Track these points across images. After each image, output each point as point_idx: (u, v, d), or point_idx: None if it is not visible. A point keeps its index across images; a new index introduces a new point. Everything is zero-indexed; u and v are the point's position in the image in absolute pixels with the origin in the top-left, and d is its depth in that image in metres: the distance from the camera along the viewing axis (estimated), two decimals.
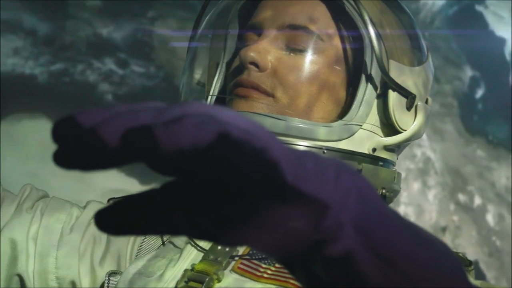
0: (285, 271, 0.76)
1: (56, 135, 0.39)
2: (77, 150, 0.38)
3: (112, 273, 0.86)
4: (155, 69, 3.14)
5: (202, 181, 0.38)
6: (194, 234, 0.39)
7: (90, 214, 0.92)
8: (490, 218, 3.60)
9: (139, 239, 0.92)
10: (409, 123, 0.97)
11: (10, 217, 0.88)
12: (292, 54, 0.92)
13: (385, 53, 0.93)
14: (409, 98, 0.95)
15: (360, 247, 0.41)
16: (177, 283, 0.77)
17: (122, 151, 0.37)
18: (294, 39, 0.94)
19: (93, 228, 0.90)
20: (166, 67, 3.16)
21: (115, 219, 0.39)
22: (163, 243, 0.90)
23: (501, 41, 3.87)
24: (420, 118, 0.97)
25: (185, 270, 0.78)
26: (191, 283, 0.77)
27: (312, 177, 0.40)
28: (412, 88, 0.95)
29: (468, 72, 3.77)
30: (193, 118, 0.37)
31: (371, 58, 0.92)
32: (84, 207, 0.95)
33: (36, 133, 2.69)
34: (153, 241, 0.92)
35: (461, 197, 3.62)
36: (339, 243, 0.41)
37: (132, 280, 0.82)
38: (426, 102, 1.02)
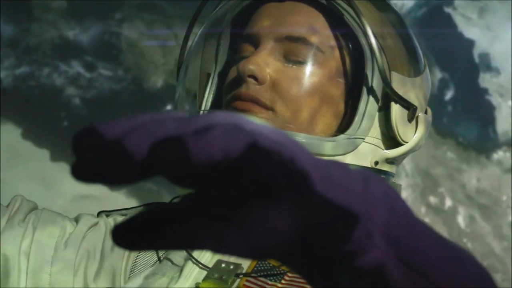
0: (293, 287, 0.73)
1: (77, 146, 0.37)
2: (101, 162, 0.36)
3: None
4: (123, 72, 3.09)
5: (227, 193, 0.36)
6: (219, 249, 0.37)
7: (84, 228, 0.89)
8: (461, 220, 3.62)
9: (134, 254, 0.89)
10: (410, 135, 0.96)
11: (1, 231, 0.84)
12: (291, 66, 0.90)
13: (387, 65, 0.93)
14: (411, 109, 0.94)
15: (390, 258, 0.40)
16: None
17: (151, 163, 0.35)
18: (293, 51, 0.91)
19: (86, 243, 0.87)
20: (135, 70, 3.12)
21: (134, 234, 0.37)
22: (159, 259, 0.86)
23: (470, 43, 3.90)
24: (421, 129, 0.96)
25: None
26: None
27: (340, 186, 0.38)
28: (413, 100, 0.94)
29: (437, 74, 3.79)
30: (221, 128, 0.35)
31: (372, 70, 0.90)
32: (76, 220, 0.91)
33: (1, 138, 2.62)
34: (148, 257, 0.89)
35: (432, 199, 3.63)
36: (370, 254, 0.39)
37: None
38: (425, 112, 1.01)
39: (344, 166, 0.40)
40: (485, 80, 4.12)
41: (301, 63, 0.88)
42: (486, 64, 4.12)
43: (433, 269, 0.41)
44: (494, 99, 4.03)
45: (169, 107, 4.10)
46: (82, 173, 0.36)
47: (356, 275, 0.40)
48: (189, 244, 0.37)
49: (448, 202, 3.68)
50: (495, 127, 3.90)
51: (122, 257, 0.86)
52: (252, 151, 0.35)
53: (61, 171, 3.10)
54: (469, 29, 3.91)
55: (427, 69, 1.01)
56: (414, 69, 0.96)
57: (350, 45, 0.92)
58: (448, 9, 3.91)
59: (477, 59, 3.87)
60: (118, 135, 0.36)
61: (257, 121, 0.37)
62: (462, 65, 3.86)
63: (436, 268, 0.42)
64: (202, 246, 0.37)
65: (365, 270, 0.39)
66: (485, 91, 3.98)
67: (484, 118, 3.91)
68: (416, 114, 0.95)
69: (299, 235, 0.37)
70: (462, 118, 3.81)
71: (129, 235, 0.37)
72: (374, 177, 0.41)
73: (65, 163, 3.50)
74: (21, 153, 2.74)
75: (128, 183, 0.36)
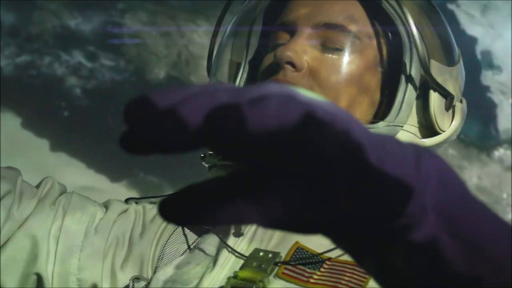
0: (332, 275, 0.73)
1: (129, 116, 0.36)
2: (153, 132, 0.35)
3: (135, 278, 0.82)
4: (125, 63, 3.08)
5: (277, 167, 0.36)
6: (267, 224, 0.37)
7: (114, 215, 0.88)
8: None
9: (162, 242, 0.88)
10: (447, 124, 0.95)
11: (32, 212, 0.83)
12: (329, 53, 0.89)
13: (426, 53, 0.94)
14: (448, 98, 0.93)
15: (443, 233, 0.39)
16: None
17: (205, 131, 0.35)
18: (331, 38, 0.90)
19: (116, 230, 0.86)
20: (136, 61, 3.10)
21: (181, 209, 0.37)
22: (190, 248, 0.86)
23: (472, 40, 3.89)
24: (457, 118, 0.95)
25: (228, 278, 0.75)
26: None
27: (394, 159, 0.38)
28: (450, 89, 0.93)
29: None
30: (276, 98, 0.35)
31: (410, 59, 0.89)
32: (105, 206, 0.90)
33: (1, 127, 2.61)
34: (177, 245, 0.88)
35: None
36: (423, 229, 0.39)
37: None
38: (461, 102, 1.01)
39: (397, 140, 0.40)
40: (487, 77, 4.12)
41: (339, 50, 0.88)
42: (488, 62, 4.11)
43: (489, 244, 0.41)
44: (496, 97, 4.03)
45: None
46: (133, 143, 0.36)
47: (408, 251, 0.39)
48: (238, 219, 0.37)
49: None
50: (496, 124, 3.90)
51: (150, 245, 0.86)
52: (307, 121, 0.35)
53: (61, 162, 3.09)
54: (472, 27, 3.91)
55: (461, 61, 1.01)
56: (451, 59, 0.97)
57: (388, 34, 0.92)
58: (451, 6, 3.90)
59: (479, 57, 3.86)
60: (173, 103, 0.35)
61: (310, 93, 0.37)
62: (464, 62, 3.85)
63: (492, 244, 0.41)
64: (250, 221, 0.38)
65: (418, 245, 0.39)
66: (486, 88, 3.99)
67: (486, 115, 3.91)
68: (454, 103, 0.95)
69: (353, 209, 0.37)
70: None
71: (177, 210, 0.37)
72: (427, 151, 0.40)
73: (65, 153, 3.50)
74: (21, 143, 2.73)
75: (179, 152, 0.36)
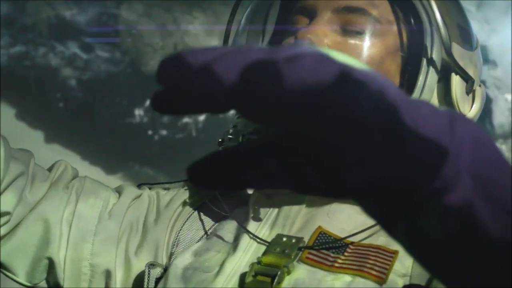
0: (357, 258, 0.72)
1: (162, 75, 0.36)
2: (187, 90, 0.35)
3: (151, 265, 0.81)
4: (120, 54, 3.06)
5: (309, 130, 0.35)
6: (299, 188, 0.37)
7: (128, 200, 0.86)
8: None
9: (177, 228, 0.86)
10: (467, 108, 0.94)
11: (44, 195, 0.81)
12: (349, 37, 0.88)
13: (448, 36, 0.92)
14: (469, 82, 0.92)
15: (478, 197, 0.39)
16: (244, 277, 0.72)
17: (242, 87, 0.34)
18: (351, 21, 0.89)
19: (130, 216, 0.85)
20: (132, 53, 3.09)
21: (211, 174, 0.36)
22: (206, 234, 0.85)
23: None
24: (478, 103, 0.95)
25: (252, 264, 0.74)
26: (259, 277, 0.72)
27: (429, 123, 0.37)
28: (470, 73, 0.93)
29: None
30: (312, 56, 0.35)
31: (432, 42, 0.88)
32: (118, 192, 0.89)
33: None
34: (193, 232, 0.86)
35: None
36: (457, 192, 0.38)
37: (185, 275, 0.77)
38: (480, 87, 1.01)
39: (431, 104, 0.39)
40: (483, 72, 4.10)
41: (359, 34, 0.87)
42: (484, 57, 4.10)
43: None
44: (491, 92, 4.04)
45: None
46: (164, 103, 0.35)
47: (441, 215, 0.39)
48: (271, 183, 0.37)
49: None
50: (491, 119, 3.91)
51: (165, 231, 0.84)
52: (343, 80, 0.35)
53: (56, 153, 3.08)
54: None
55: (479, 47, 1.01)
56: (470, 43, 0.96)
57: (409, 17, 0.92)
58: None
59: None
60: (207, 61, 0.35)
61: (343, 55, 0.37)
62: None
63: None
64: (283, 186, 0.37)
65: (452, 209, 0.38)
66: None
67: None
68: (474, 88, 0.94)
69: (387, 171, 0.36)
70: None
71: (208, 175, 0.37)
72: (461, 116, 0.40)
73: (60, 145, 3.48)
74: (15, 134, 2.71)
75: (210, 112, 0.36)
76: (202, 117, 4.20)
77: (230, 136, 0.82)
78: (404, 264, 0.68)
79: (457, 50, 0.90)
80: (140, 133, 3.94)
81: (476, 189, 0.39)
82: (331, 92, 0.34)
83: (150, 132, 3.92)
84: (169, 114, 0.36)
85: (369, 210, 0.41)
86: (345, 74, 0.35)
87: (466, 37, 0.95)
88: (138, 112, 3.87)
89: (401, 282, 0.66)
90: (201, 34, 3.20)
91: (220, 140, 0.84)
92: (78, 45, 2.92)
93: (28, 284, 0.79)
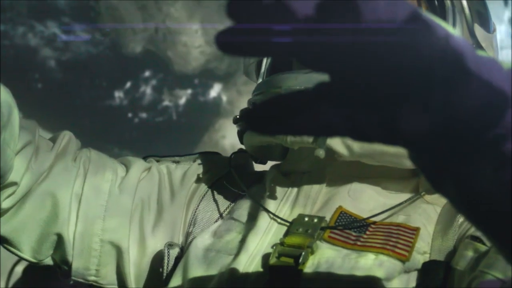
0: (379, 236, 0.72)
1: (233, 10, 0.35)
2: (258, 26, 0.35)
3: (169, 245, 0.79)
4: (101, 35, 3.03)
5: (374, 74, 0.36)
6: (357, 135, 0.37)
7: (138, 173, 0.83)
8: None
9: (192, 207, 0.83)
10: None
11: (51, 167, 0.77)
12: None
13: (471, 17, 0.92)
14: None
15: None
16: (267, 259, 0.71)
17: (319, 19, 0.35)
18: None
19: (141, 191, 0.81)
20: (112, 34, 3.06)
21: (266, 120, 0.37)
22: (221, 216, 0.83)
23: None
24: None
25: (275, 245, 0.72)
26: (283, 258, 0.71)
27: (492, 71, 0.38)
28: (490, 54, 0.93)
29: None
30: None
31: (453, 22, 0.89)
32: (124, 164, 0.85)
33: None
34: (210, 212, 0.84)
35: None
36: None
37: (207, 257, 0.74)
38: None
39: (491, 56, 0.40)
40: None
41: None
42: None
43: None
44: None
45: (147, 73, 4.05)
46: (232, 42, 0.35)
47: (498, 164, 0.38)
48: (327, 130, 0.37)
49: None
50: None
51: (182, 210, 0.79)
52: (414, 19, 0.36)
53: None
54: None
55: (496, 31, 1.02)
56: (488, 26, 0.97)
57: None
58: None
59: None
60: None
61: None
62: None
63: None
64: (340, 133, 0.38)
65: (510, 157, 0.38)
66: None
67: None
68: None
69: (450, 118, 0.36)
70: None
71: (265, 120, 0.37)
72: None
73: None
74: None
75: (275, 54, 0.36)
76: (182, 101, 4.18)
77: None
78: (425, 241, 0.67)
79: (479, 31, 0.90)
80: (120, 115, 3.91)
81: None
82: (403, 30, 0.35)
83: (130, 115, 3.89)
84: (233, 55, 0.36)
85: (419, 162, 0.41)
86: (416, 15, 0.36)
87: (485, 20, 0.96)
88: (118, 94, 3.84)
89: (421, 259, 0.66)
90: (183, 17, 3.18)
91: (237, 116, 0.82)
92: (58, 25, 2.89)
93: (33, 260, 0.76)
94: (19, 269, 1.94)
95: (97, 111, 3.56)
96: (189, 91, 3.93)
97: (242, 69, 0.93)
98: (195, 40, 3.58)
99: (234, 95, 4.03)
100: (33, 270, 1.80)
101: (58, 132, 0.81)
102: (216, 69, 3.88)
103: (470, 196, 0.40)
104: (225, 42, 0.35)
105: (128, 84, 3.58)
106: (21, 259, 0.78)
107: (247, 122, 0.37)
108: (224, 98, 4.07)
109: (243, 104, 0.85)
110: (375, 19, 0.35)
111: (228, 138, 4.03)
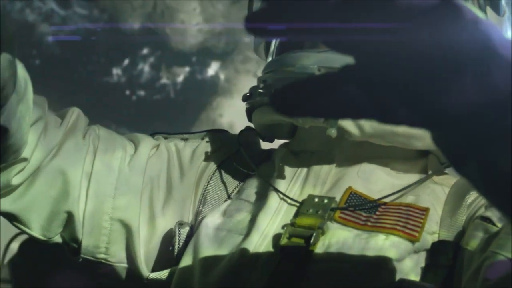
0: (389, 217, 0.72)
1: None
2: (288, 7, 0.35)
3: (180, 224, 0.78)
4: (98, 11, 3.02)
5: (389, 60, 0.36)
6: (384, 118, 0.37)
7: (147, 150, 0.82)
8: None
9: (202, 185, 0.83)
10: None
11: (60, 144, 0.76)
12: None
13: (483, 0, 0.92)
14: None
15: None
16: (278, 239, 0.71)
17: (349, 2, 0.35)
18: None
19: (150, 169, 0.80)
20: (110, 10, 3.05)
21: (294, 102, 0.37)
22: (229, 197, 0.82)
23: None
24: None
25: (286, 226, 0.72)
26: (294, 239, 0.71)
27: None
28: None
29: None
30: None
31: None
32: (132, 141, 0.84)
33: None
34: (219, 192, 0.84)
35: None
36: None
37: (218, 236, 0.74)
38: None
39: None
40: None
41: None
42: None
43: None
44: None
45: (145, 50, 4.03)
46: (264, 24, 0.36)
47: None
48: (354, 112, 0.38)
49: None
50: None
51: (191, 188, 0.80)
52: (444, 2, 0.36)
53: None
54: None
55: (506, 14, 1.01)
56: (499, 10, 0.96)
57: None
58: None
59: None
60: None
61: None
62: None
63: None
64: (367, 115, 0.38)
65: None
66: None
67: None
68: None
69: (478, 100, 0.36)
70: None
71: (293, 102, 0.37)
72: None
73: None
74: None
75: (307, 39, 0.37)
76: (180, 79, 4.17)
77: (261, 91, 0.80)
78: (433, 222, 0.68)
79: (491, 14, 0.90)
80: (118, 92, 3.91)
81: None
82: (434, 13, 0.35)
83: (127, 92, 3.89)
84: (259, 36, 0.38)
85: (443, 144, 0.41)
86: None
87: (496, 3, 0.96)
88: (116, 71, 3.83)
89: (431, 239, 0.66)
90: None
91: (248, 94, 0.81)
92: (56, 1, 2.87)
93: (42, 238, 0.76)
94: (15, 245, 1.95)
95: (95, 88, 3.56)
96: (187, 69, 3.92)
97: (239, 47, 0.93)
98: (193, 17, 3.57)
99: (231, 74, 4.02)
100: (29, 246, 1.81)
101: (56, 109, 0.80)
102: (214, 47, 3.86)
103: (495, 177, 0.41)
104: (254, 28, 0.36)
105: (126, 61, 3.57)
106: (30, 236, 0.77)
107: (273, 104, 0.37)
108: (222, 76, 4.06)
109: (241, 82, 0.84)
110: (406, 2, 0.35)
111: (225, 117, 4.03)
